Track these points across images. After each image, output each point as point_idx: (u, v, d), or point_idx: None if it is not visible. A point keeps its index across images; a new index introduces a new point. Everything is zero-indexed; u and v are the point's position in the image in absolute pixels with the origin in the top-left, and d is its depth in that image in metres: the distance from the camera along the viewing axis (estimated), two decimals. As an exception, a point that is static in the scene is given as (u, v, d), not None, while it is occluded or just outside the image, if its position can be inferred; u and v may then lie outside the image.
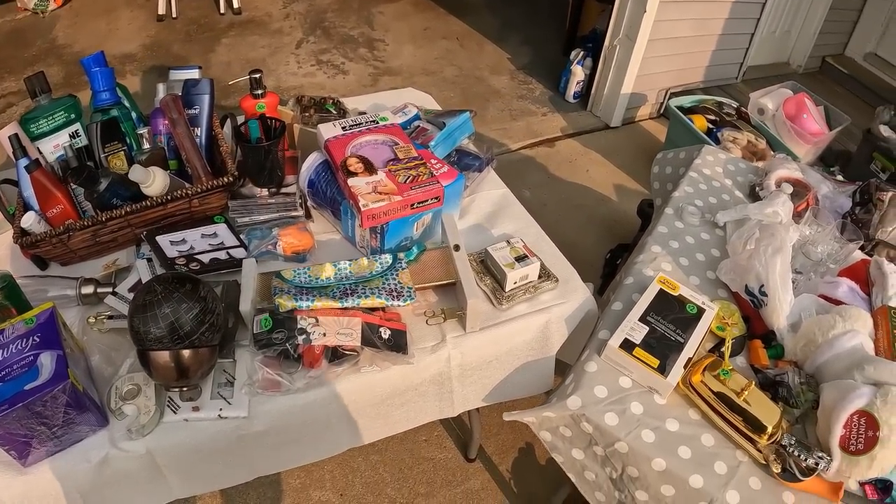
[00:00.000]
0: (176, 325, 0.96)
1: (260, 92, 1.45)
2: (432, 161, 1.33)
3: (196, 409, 1.05)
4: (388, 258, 1.19)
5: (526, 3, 4.58)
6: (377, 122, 1.36)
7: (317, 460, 1.20)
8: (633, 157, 3.29)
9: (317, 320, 1.06)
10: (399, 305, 1.13)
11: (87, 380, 1.04)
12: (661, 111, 3.65)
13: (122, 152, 1.35)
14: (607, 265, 2.56)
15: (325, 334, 1.05)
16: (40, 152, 1.33)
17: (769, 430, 1.07)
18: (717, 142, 2.82)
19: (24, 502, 1.00)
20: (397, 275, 1.16)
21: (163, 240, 1.27)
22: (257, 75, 1.44)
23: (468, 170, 1.48)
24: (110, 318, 1.17)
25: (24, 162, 1.25)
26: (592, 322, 1.34)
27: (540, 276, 1.31)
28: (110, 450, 1.02)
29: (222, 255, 1.26)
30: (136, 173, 1.22)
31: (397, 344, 1.10)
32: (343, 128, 1.33)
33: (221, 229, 1.32)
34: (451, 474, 1.90)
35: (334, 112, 1.50)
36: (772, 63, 4.00)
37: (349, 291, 1.11)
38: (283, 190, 1.37)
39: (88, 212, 1.31)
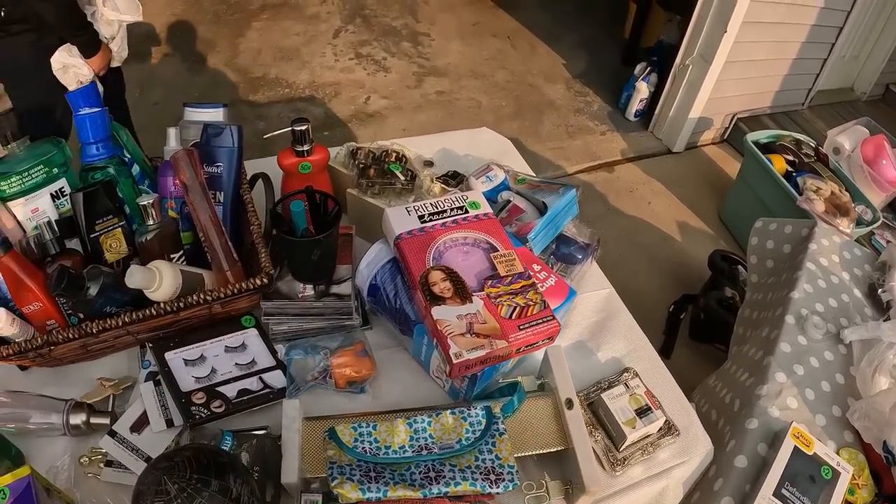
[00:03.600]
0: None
1: (306, 148, 1.12)
2: (535, 267, 1.01)
3: None
4: (479, 416, 0.87)
5: (578, -1, 4.20)
6: (466, 211, 1.02)
7: None
8: (696, 188, 2.97)
9: (389, 516, 0.76)
10: (499, 493, 0.82)
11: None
12: (725, 136, 3.31)
13: (119, 229, 1.03)
14: (670, 319, 2.29)
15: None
16: (16, 219, 1.00)
17: None
18: (797, 188, 2.51)
19: None
20: (494, 444, 0.85)
21: (175, 359, 0.97)
22: (302, 127, 1.10)
23: (571, 263, 1.17)
24: (108, 464, 0.90)
25: (-12, 242, 0.92)
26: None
27: (659, 429, 1.00)
28: None
29: (254, 384, 0.96)
30: (135, 278, 0.90)
31: (493, 550, 0.80)
32: (420, 217, 1.00)
33: (252, 339, 1.02)
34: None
35: (401, 178, 1.16)
36: (836, 88, 3.67)
37: (432, 474, 0.80)
38: (335, 289, 1.04)
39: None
